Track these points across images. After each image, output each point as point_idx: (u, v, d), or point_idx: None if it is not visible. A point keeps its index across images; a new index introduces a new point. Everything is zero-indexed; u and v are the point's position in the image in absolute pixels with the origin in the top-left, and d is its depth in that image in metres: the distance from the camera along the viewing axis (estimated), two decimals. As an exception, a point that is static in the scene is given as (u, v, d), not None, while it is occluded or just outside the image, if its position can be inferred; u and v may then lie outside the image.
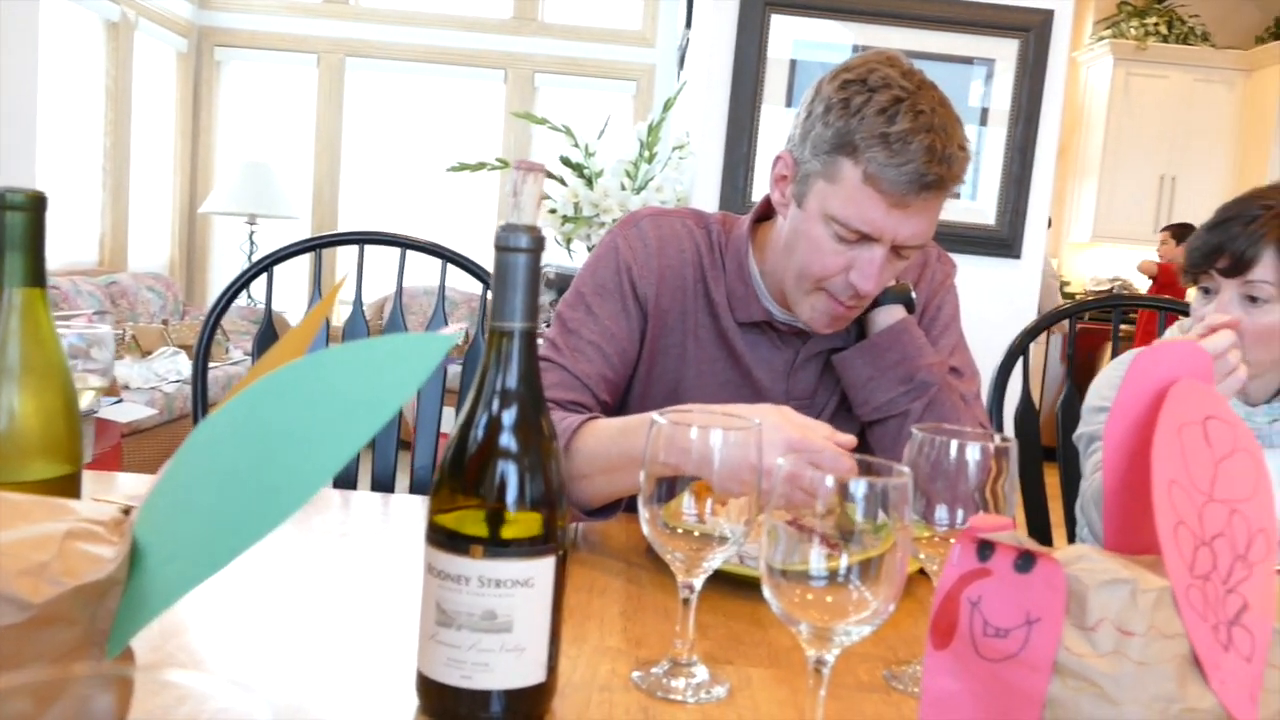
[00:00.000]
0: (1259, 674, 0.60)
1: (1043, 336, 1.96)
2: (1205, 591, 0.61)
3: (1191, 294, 1.48)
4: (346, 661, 0.75)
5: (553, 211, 3.31)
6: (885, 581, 0.62)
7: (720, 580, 0.95)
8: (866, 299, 1.19)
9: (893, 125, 1.08)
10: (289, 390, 0.54)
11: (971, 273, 3.04)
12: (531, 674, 0.66)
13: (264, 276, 1.71)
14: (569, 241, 3.36)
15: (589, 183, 3.25)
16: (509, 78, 5.90)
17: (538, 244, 0.66)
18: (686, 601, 0.76)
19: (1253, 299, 1.36)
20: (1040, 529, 1.75)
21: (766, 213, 1.29)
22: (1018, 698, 0.60)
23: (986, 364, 1.77)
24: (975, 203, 3.11)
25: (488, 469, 0.66)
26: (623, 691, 0.73)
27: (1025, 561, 0.60)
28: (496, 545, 0.65)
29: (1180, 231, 5.82)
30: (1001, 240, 3.08)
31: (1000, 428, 1.74)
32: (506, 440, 0.66)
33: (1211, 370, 0.70)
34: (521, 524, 0.66)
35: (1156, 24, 6.67)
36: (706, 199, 3.01)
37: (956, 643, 0.62)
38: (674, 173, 3.29)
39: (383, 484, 1.61)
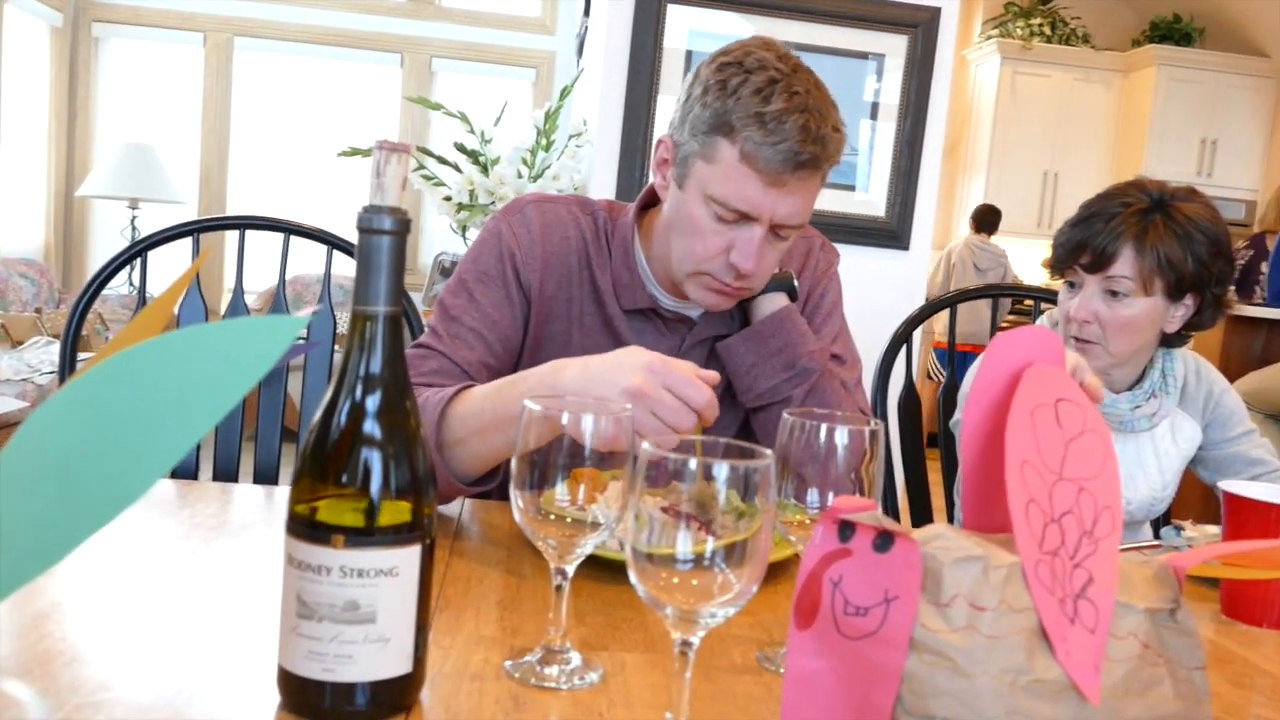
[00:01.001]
0: (1102, 644, 0.63)
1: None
2: (1054, 567, 0.64)
3: (1060, 287, 1.54)
4: (206, 659, 0.73)
5: (448, 199, 3.26)
6: (750, 564, 0.62)
7: (600, 567, 0.95)
8: (749, 280, 1.20)
9: (768, 105, 1.10)
10: (128, 375, 0.52)
11: (862, 263, 3.12)
12: (397, 665, 0.65)
13: (144, 264, 1.64)
14: (464, 229, 3.32)
15: (485, 170, 3.21)
16: (405, 62, 5.79)
17: (402, 226, 0.65)
18: (559, 588, 0.76)
19: (1113, 293, 1.42)
20: (922, 513, 1.80)
21: (652, 200, 1.30)
22: (877, 674, 0.62)
23: (877, 352, 1.81)
24: (866, 195, 3.17)
25: (350, 456, 0.64)
26: (494, 680, 0.73)
27: (884, 541, 0.62)
28: (359, 534, 0.63)
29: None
30: (891, 232, 3.16)
31: (885, 414, 1.79)
32: (370, 427, 0.65)
33: (1063, 355, 0.72)
34: (385, 512, 0.64)
35: (1041, 25, 6.91)
36: (603, 187, 3.01)
37: (819, 622, 0.64)
38: (571, 161, 3.28)
39: (265, 476, 1.57)
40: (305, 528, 0.64)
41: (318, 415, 0.65)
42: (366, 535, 0.64)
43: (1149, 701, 0.63)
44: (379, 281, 0.65)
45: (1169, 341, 1.49)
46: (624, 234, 1.28)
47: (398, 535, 0.64)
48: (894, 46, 3.15)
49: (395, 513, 0.64)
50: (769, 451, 0.62)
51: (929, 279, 6.76)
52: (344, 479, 0.64)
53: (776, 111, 1.10)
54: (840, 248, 3.19)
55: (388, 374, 0.66)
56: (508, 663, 0.76)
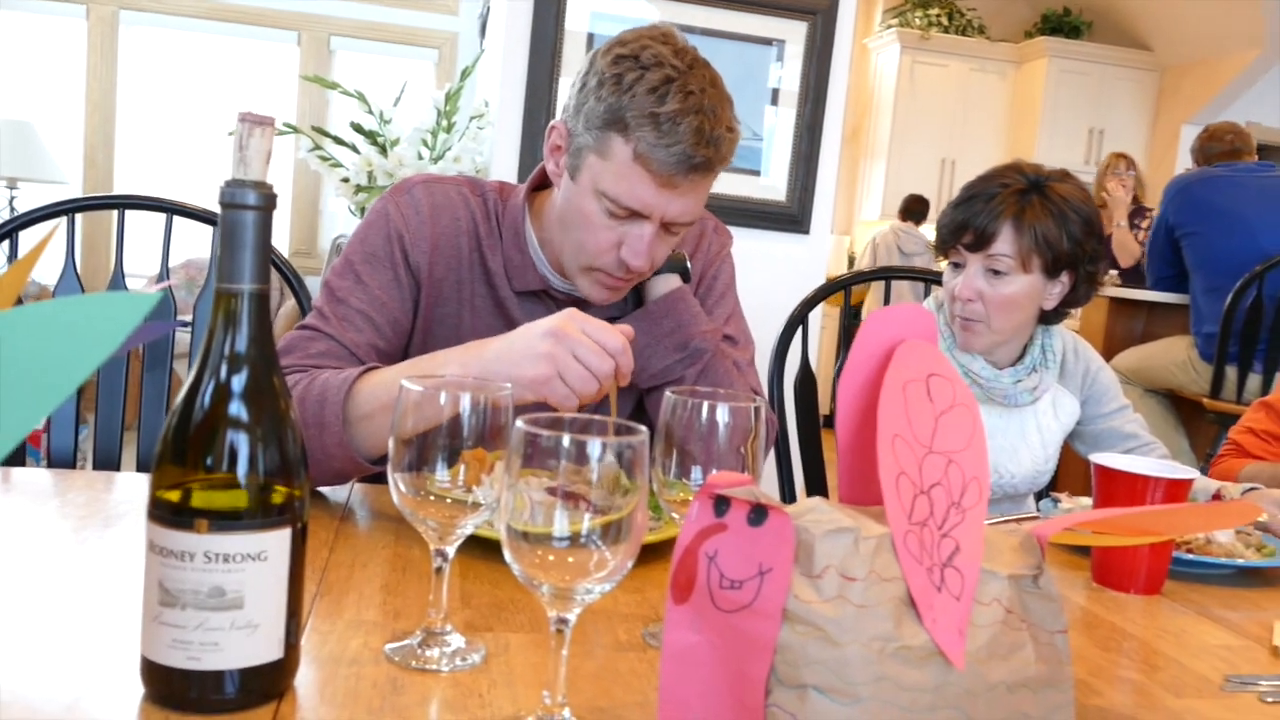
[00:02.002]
0: (967, 611, 0.64)
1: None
2: (922, 537, 0.65)
3: (944, 267, 1.58)
4: (67, 651, 0.70)
5: (345, 180, 3.19)
6: (626, 540, 0.62)
7: (489, 548, 0.94)
8: (639, 274, 1.20)
9: (663, 105, 1.10)
10: (-38, 354, 0.49)
11: (763, 247, 3.15)
12: (267, 651, 0.63)
13: (15, 246, 1.56)
14: (363, 211, 3.25)
15: (383, 151, 3.15)
16: (303, 40, 5.63)
17: (267, 201, 0.63)
18: (440, 570, 0.75)
19: (995, 272, 1.46)
20: (818, 491, 1.83)
21: (543, 182, 1.29)
22: (751, 646, 0.62)
23: (778, 334, 1.83)
24: (767, 179, 3.21)
25: (214, 438, 0.62)
26: (373, 664, 0.72)
27: (758, 515, 0.62)
28: (224, 518, 0.61)
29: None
30: (791, 216, 3.20)
31: (781, 394, 1.81)
32: (235, 408, 0.63)
33: (935, 331, 0.74)
34: (252, 495, 0.62)
35: (938, 16, 7.08)
36: (505, 170, 2.98)
37: (695, 597, 0.64)
38: (472, 143, 3.24)
39: (150, 465, 1.52)
40: (168, 513, 0.62)
41: (180, 396, 0.63)
42: (232, 519, 0.62)
43: (1012, 665, 0.65)
44: (244, 258, 0.63)
45: (1047, 318, 1.54)
46: (515, 215, 1.27)
47: (266, 518, 0.63)
48: (794, 33, 3.18)
49: (262, 495, 0.63)
50: (643, 429, 0.62)
51: (856, 263, 6.87)
52: (208, 462, 0.62)
53: (671, 113, 1.10)
54: (742, 232, 3.22)
55: (254, 353, 0.64)
56: (388, 646, 0.74)
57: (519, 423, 0.61)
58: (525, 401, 0.98)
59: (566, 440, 0.59)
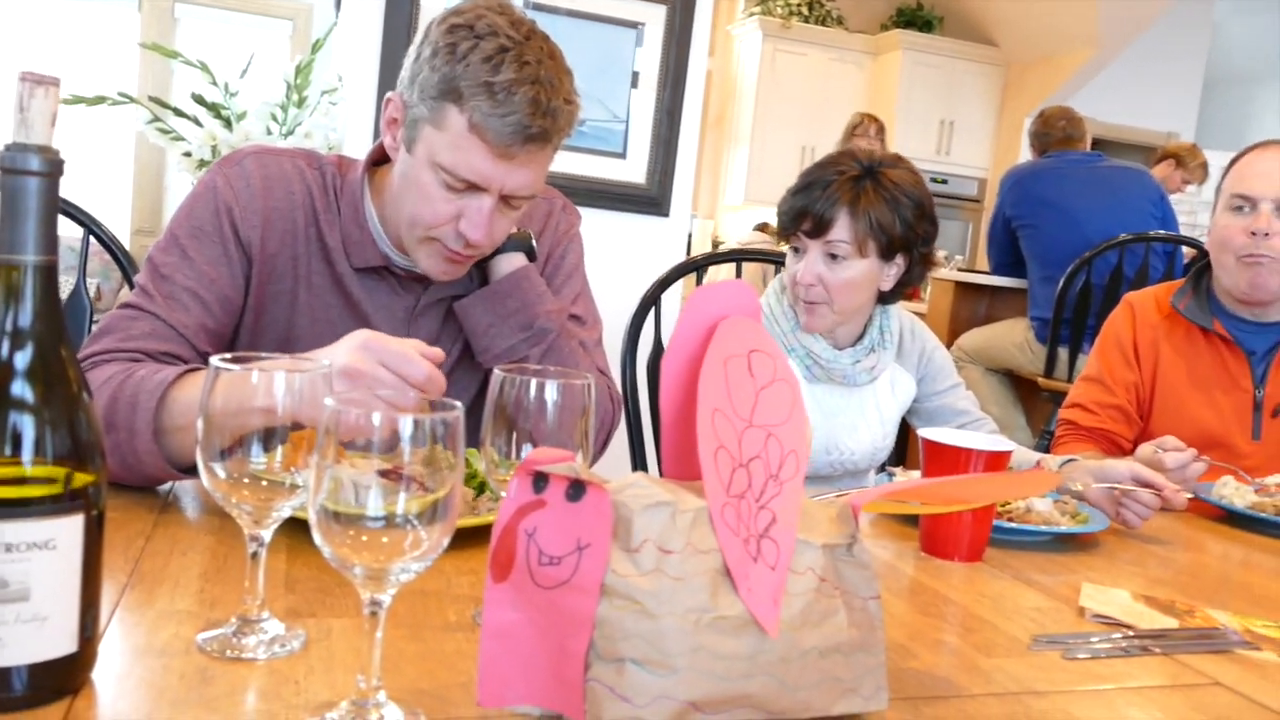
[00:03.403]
0: (782, 580, 0.66)
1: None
2: (739, 509, 0.67)
3: (786, 251, 1.61)
4: None
5: (188, 155, 3.04)
6: (443, 519, 0.61)
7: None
8: (479, 248, 1.19)
9: (497, 75, 1.08)
10: None
11: (622, 229, 3.16)
12: (58, 645, 0.60)
13: None
14: (207, 188, 3.10)
15: (228, 124, 3.01)
16: (144, 6, 5.33)
17: (52, 167, 0.59)
18: (255, 556, 0.72)
19: (833, 256, 1.51)
20: (670, 469, 1.85)
21: (383, 156, 1.25)
22: (570, 622, 0.62)
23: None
24: (626, 162, 3.21)
25: (-6, 420, 0.58)
26: (183, 655, 0.69)
27: (576, 491, 0.62)
28: (7, 505, 0.58)
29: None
30: (651, 199, 3.21)
31: (634, 375, 1.82)
32: (18, 387, 0.59)
33: (758, 307, 0.75)
34: (38, 481, 0.59)
35: (799, 5, 7.22)
36: (359, 146, 2.89)
37: (515, 574, 0.64)
38: (324, 119, 3.13)
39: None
40: (-58, 501, 0.57)
41: (-43, 376, 0.59)
42: (15, 506, 0.58)
43: (825, 631, 0.67)
44: (26, 228, 0.59)
45: (884, 299, 1.60)
46: (353, 190, 1.23)
47: (55, 505, 0.59)
48: (654, 16, 3.19)
49: (47, 481, 0.59)
50: (458, 405, 0.61)
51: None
52: (-11, 445, 0.58)
53: (506, 82, 1.08)
54: (602, 214, 3.22)
55: (40, 329, 0.60)
56: (200, 636, 0.71)
57: (328, 400, 0.59)
58: None
59: (377, 418, 0.58)
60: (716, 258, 2.03)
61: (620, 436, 1.56)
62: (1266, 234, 1.63)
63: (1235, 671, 0.89)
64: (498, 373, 0.79)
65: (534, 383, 0.78)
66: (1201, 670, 0.88)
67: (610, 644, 0.61)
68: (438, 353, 0.97)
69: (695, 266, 1.93)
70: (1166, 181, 4.60)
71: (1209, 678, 0.86)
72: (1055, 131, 3.79)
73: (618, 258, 3.09)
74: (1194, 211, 7.20)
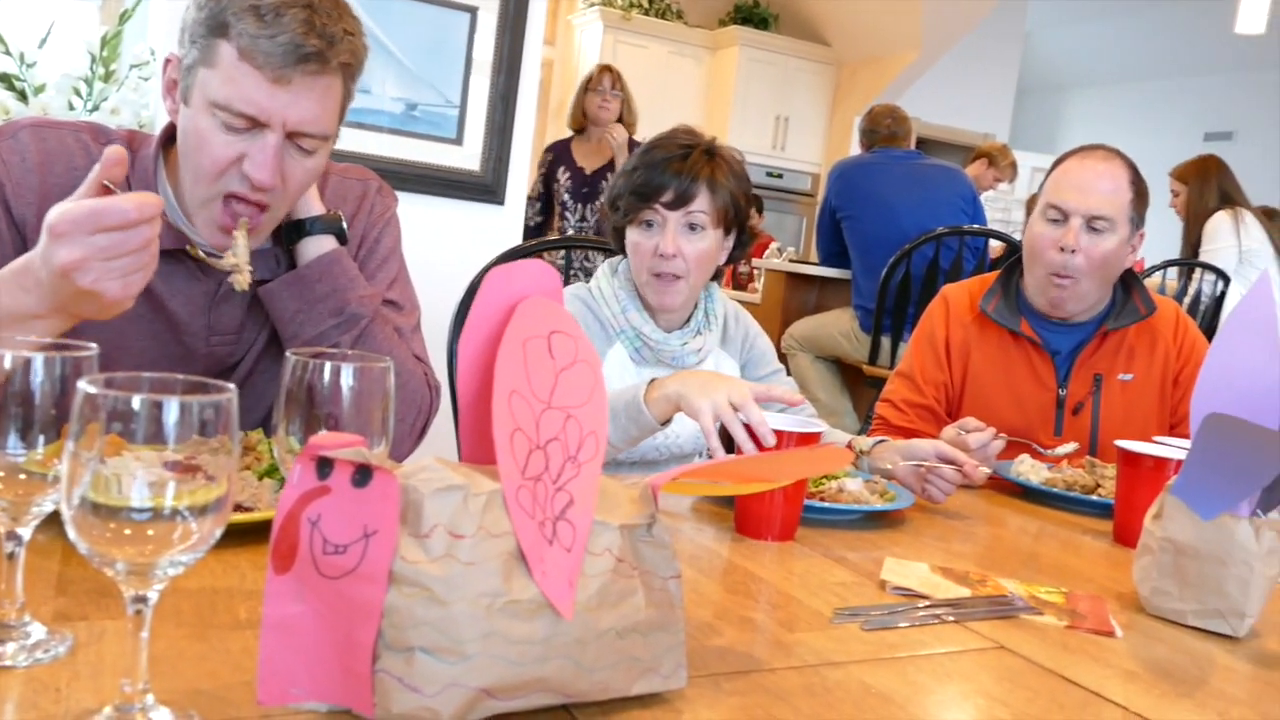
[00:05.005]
0: (578, 562, 0.66)
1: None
2: (535, 491, 0.66)
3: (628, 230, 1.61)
4: None
5: (-23, 129, 2.81)
6: (216, 508, 0.58)
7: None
8: (266, 191, 1.11)
9: None
10: None
11: (457, 217, 3.11)
12: None
13: None
14: None
15: (23, 97, 2.80)
16: (-69, -33, 4.89)
17: None
18: (13, 556, 0.67)
19: (692, 227, 1.53)
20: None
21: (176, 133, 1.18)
22: (358, 611, 0.60)
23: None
24: (461, 149, 3.16)
25: None
26: (-74, 667, 0.63)
27: (362, 476, 0.60)
28: None
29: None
30: (486, 186, 3.17)
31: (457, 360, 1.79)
32: None
33: (559, 288, 0.75)
34: None
35: (640, -3, 7.28)
36: (172, 125, 2.73)
37: (298, 565, 0.61)
38: (134, 94, 2.95)
39: None
40: None
41: None
42: None
43: (622, 611, 0.67)
44: None
45: (714, 276, 1.64)
46: (146, 167, 1.16)
47: None
48: (489, 1, 3.14)
49: None
50: (230, 386, 0.58)
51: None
52: None
53: (274, 4, 1.04)
54: (437, 201, 3.16)
55: None
56: (-49, 646, 0.65)
57: (81, 382, 0.54)
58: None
59: (137, 401, 0.54)
60: (547, 244, 2.01)
61: (447, 425, 1.53)
62: (1074, 250, 1.70)
63: (1018, 635, 0.94)
64: (290, 356, 0.75)
65: (329, 366, 0.75)
66: (988, 635, 0.93)
67: (399, 633, 0.59)
68: (156, 198, 0.90)
69: (524, 253, 1.91)
70: (979, 180, 4.88)
71: (994, 642, 0.91)
72: (881, 129, 3.95)
73: (452, 246, 3.03)
74: (1008, 209, 7.67)
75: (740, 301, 4.27)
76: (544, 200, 4.16)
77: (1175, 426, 1.77)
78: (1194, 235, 4.01)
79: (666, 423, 1.31)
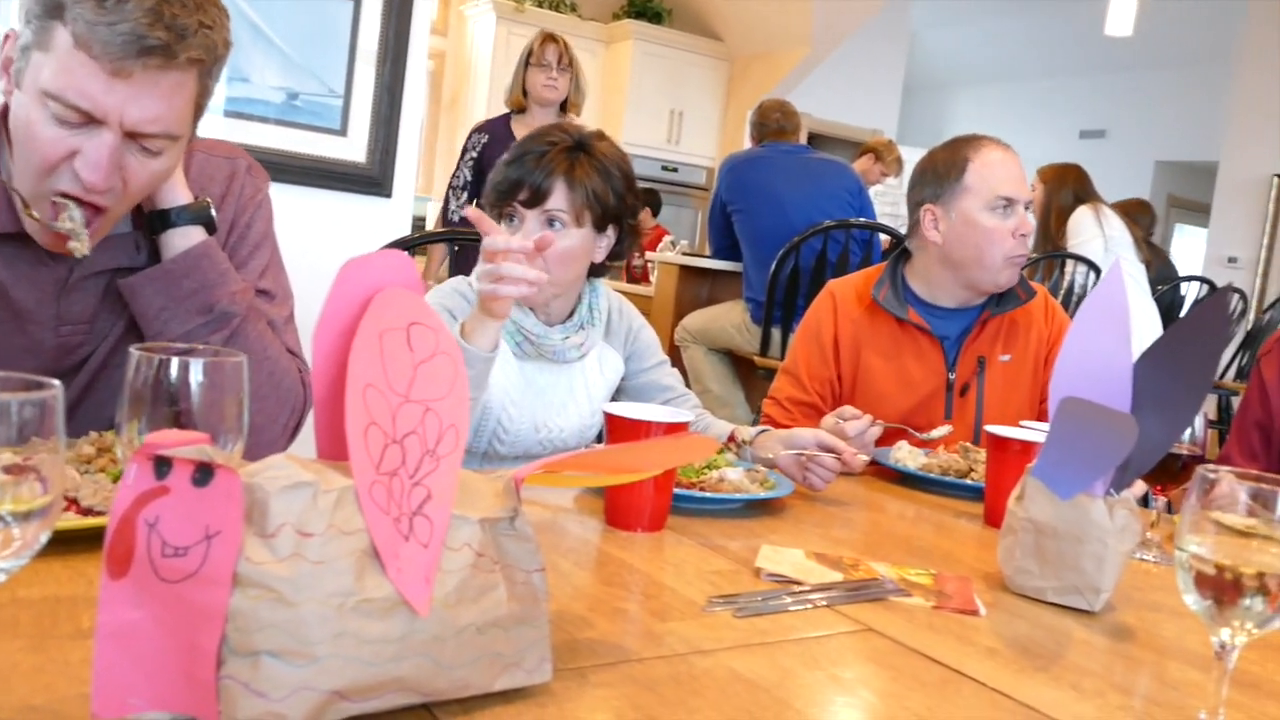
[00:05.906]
0: (435, 558, 0.64)
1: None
2: (390, 487, 0.64)
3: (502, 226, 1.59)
4: None
5: None
6: (41, 513, 0.55)
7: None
8: (98, 193, 1.04)
9: None
10: None
11: (341, 210, 3.03)
12: None
13: None
14: None
15: None
16: None
17: None
18: None
19: (551, 223, 1.52)
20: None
21: None
22: (200, 616, 0.58)
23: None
24: (346, 140, 3.08)
25: None
26: None
27: (203, 475, 0.58)
28: None
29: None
30: (372, 178, 3.10)
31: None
32: None
33: (417, 279, 0.73)
34: None
35: (533, -12, 7.22)
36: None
37: (135, 568, 0.58)
38: None
39: None
40: None
41: None
42: None
43: (483, 606, 0.66)
44: None
45: (595, 272, 1.63)
46: (-15, 147, 1.09)
47: None
48: (373, -12, 3.07)
49: None
50: (55, 383, 0.55)
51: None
52: None
53: None
54: (322, 193, 3.08)
55: None
56: None
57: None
58: None
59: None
60: (429, 237, 1.98)
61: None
62: (1026, 234, 1.81)
63: (887, 617, 0.96)
64: (133, 351, 0.72)
65: (176, 362, 0.72)
66: (858, 618, 0.95)
67: (244, 637, 0.57)
68: None
69: (408, 245, 1.87)
70: (866, 174, 4.99)
71: (863, 624, 0.93)
72: (770, 123, 4.00)
73: (336, 240, 2.96)
74: (896, 202, 7.86)
75: (634, 295, 4.27)
76: (473, 188, 3.43)
77: (1044, 403, 1.85)
78: (1050, 230, 4.17)
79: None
